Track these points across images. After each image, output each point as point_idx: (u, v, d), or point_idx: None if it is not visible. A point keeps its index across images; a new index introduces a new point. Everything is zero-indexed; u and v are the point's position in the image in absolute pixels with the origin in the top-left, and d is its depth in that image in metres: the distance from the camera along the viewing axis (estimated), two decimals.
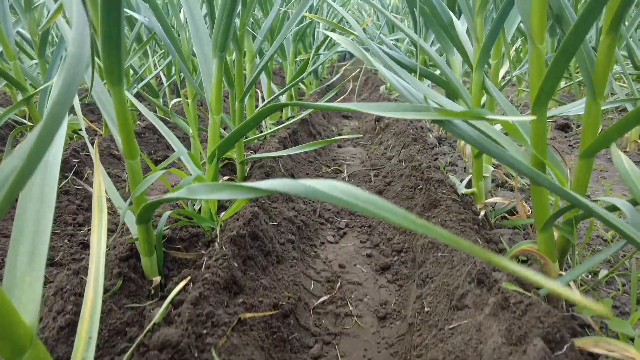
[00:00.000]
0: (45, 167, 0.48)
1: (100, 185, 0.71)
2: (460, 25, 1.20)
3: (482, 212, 1.08)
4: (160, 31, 1.14)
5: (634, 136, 1.66)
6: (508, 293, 0.67)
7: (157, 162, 1.77)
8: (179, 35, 1.32)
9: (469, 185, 1.29)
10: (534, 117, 0.54)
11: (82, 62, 0.39)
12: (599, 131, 0.81)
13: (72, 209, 1.25)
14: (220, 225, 0.96)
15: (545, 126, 0.76)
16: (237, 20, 1.29)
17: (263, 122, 1.93)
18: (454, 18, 1.20)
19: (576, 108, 0.95)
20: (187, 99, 1.22)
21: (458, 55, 1.52)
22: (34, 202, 0.43)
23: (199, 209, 1.05)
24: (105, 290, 0.74)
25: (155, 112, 2.51)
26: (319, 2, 2.33)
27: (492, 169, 1.38)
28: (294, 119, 1.61)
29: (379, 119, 2.34)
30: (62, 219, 1.21)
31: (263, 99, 2.11)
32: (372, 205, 0.34)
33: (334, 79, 2.61)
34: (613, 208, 0.75)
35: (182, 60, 1.16)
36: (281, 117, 2.13)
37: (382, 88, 3.00)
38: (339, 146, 2.28)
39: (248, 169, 1.33)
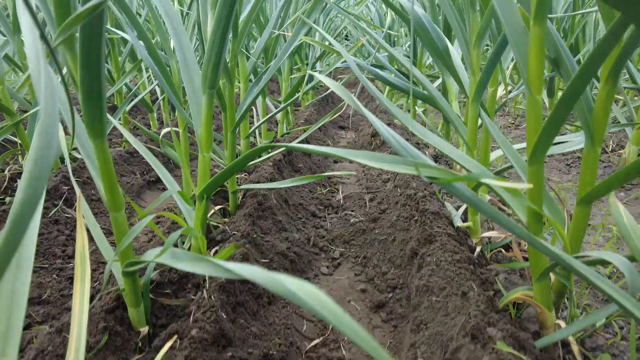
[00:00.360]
0: (18, 261, 0.46)
1: (84, 242, 0.69)
2: (456, 54, 1.18)
3: (478, 248, 1.06)
4: (148, 59, 1.12)
5: (631, 157, 1.64)
6: (503, 355, 0.65)
7: (149, 183, 1.75)
8: (168, 55, 1.29)
9: (465, 214, 1.27)
10: (530, 186, 0.52)
11: (48, 162, 0.36)
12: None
13: (62, 240, 1.23)
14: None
15: (543, 178, 0.74)
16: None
17: (258, 139, 1.90)
18: (450, 46, 1.18)
19: (574, 146, 0.93)
20: (176, 127, 1.20)
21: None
22: (4, 304, 0.41)
23: (189, 247, 1.03)
24: (90, 348, 0.72)
25: (149, 128, 2.48)
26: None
27: (489, 197, 1.36)
28: (284, 148, 1.59)
29: (375, 134, 2.32)
30: (51, 252, 1.19)
31: (258, 117, 2.08)
32: (348, 328, 0.32)
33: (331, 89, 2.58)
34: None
35: (172, 90, 1.14)
36: (276, 133, 2.10)
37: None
38: (335, 161, 2.26)
39: (240, 197, 1.31)
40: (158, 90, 2.34)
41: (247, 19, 1.14)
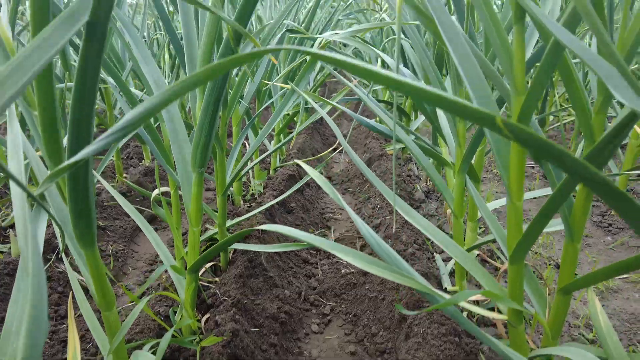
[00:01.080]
0: None
1: (76, 347, 0.70)
2: (444, 116, 1.19)
3: (464, 314, 1.08)
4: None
5: None
6: None
7: None
8: (159, 119, 1.30)
9: (454, 270, 1.29)
10: (505, 318, 0.54)
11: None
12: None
13: (54, 299, 1.24)
14: (201, 342, 0.95)
15: (523, 276, 0.76)
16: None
17: (251, 179, 1.92)
18: (438, 109, 1.20)
19: (553, 227, 0.95)
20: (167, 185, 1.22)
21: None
22: None
23: (180, 318, 1.04)
24: None
25: (142, 158, 2.49)
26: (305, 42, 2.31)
27: (477, 253, 1.38)
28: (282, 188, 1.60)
29: (368, 164, 2.33)
30: None
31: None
32: None
33: (325, 111, 2.58)
34: None
35: (163, 154, 1.15)
36: (269, 171, 2.11)
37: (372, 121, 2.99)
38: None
39: (232, 252, 1.32)
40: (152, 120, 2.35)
41: (235, 89, 1.15)
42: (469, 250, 1.06)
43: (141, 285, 1.40)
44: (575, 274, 1.43)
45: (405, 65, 1.97)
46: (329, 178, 2.45)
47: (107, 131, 0.47)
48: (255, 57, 0.42)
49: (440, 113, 1.20)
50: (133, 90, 1.48)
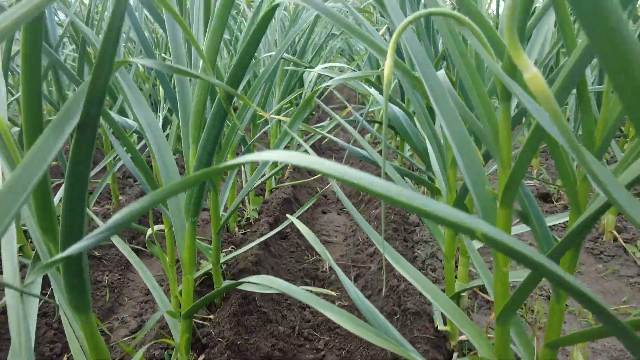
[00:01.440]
0: None
1: None
2: (435, 157, 1.20)
3: (455, 355, 1.10)
4: (131, 165, 1.14)
5: (609, 226, 1.68)
6: None
7: (138, 252, 1.77)
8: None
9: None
10: None
11: None
12: None
13: (50, 337, 1.24)
14: None
15: (509, 336, 0.78)
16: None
17: (247, 204, 1.93)
18: (429, 147, 1.21)
19: None
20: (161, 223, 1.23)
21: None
22: None
23: None
24: None
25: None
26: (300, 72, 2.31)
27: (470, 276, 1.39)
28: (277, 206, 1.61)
29: None
30: (39, 350, 1.21)
31: (246, 175, 2.10)
32: None
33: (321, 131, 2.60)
34: None
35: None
36: (264, 193, 2.13)
37: (367, 136, 3.01)
38: (324, 212, 2.29)
39: None
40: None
41: (230, 131, 1.16)
42: (458, 294, 1.08)
43: (136, 318, 1.41)
44: (567, 305, 1.45)
45: (402, 97, 1.98)
46: (324, 196, 2.46)
47: (100, 228, 0.48)
48: (237, 167, 0.43)
49: (431, 151, 1.21)
50: (130, 121, 1.49)
